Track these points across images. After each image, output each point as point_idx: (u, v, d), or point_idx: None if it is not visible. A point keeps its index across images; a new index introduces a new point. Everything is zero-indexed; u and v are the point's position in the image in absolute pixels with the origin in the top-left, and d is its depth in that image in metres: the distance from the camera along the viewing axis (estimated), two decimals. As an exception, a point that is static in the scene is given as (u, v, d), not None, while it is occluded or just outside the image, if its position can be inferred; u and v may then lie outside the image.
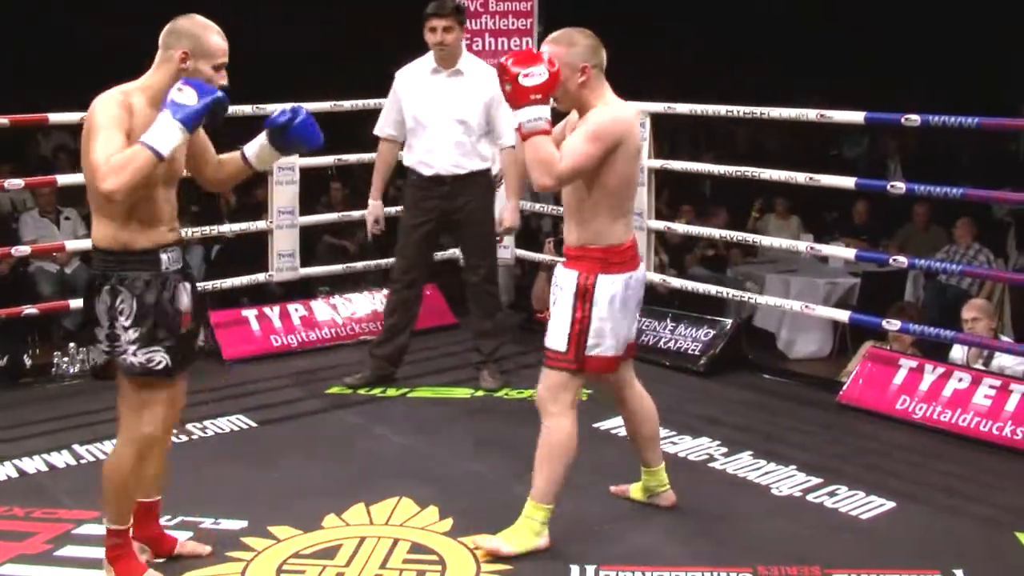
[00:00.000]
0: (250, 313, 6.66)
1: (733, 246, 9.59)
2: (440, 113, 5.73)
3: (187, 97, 3.44)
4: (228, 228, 6.95)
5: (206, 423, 5.45)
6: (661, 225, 6.56)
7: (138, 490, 3.82)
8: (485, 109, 5.75)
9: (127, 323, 3.59)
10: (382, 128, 5.90)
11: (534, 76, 3.74)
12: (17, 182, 6.06)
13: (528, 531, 4.03)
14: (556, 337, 4.01)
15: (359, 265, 7.37)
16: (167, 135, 3.40)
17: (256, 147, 3.84)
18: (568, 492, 4.52)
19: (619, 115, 3.91)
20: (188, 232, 6.95)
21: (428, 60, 5.81)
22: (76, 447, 5.15)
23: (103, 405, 5.64)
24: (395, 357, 5.99)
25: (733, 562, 4.00)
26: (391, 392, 5.87)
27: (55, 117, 5.99)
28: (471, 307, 6.07)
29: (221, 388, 5.96)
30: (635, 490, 4.51)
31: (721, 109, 6.12)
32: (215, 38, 3.62)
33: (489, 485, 4.72)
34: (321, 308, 6.84)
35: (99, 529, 4.21)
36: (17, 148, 11.48)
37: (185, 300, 3.70)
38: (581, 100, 3.93)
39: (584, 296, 3.95)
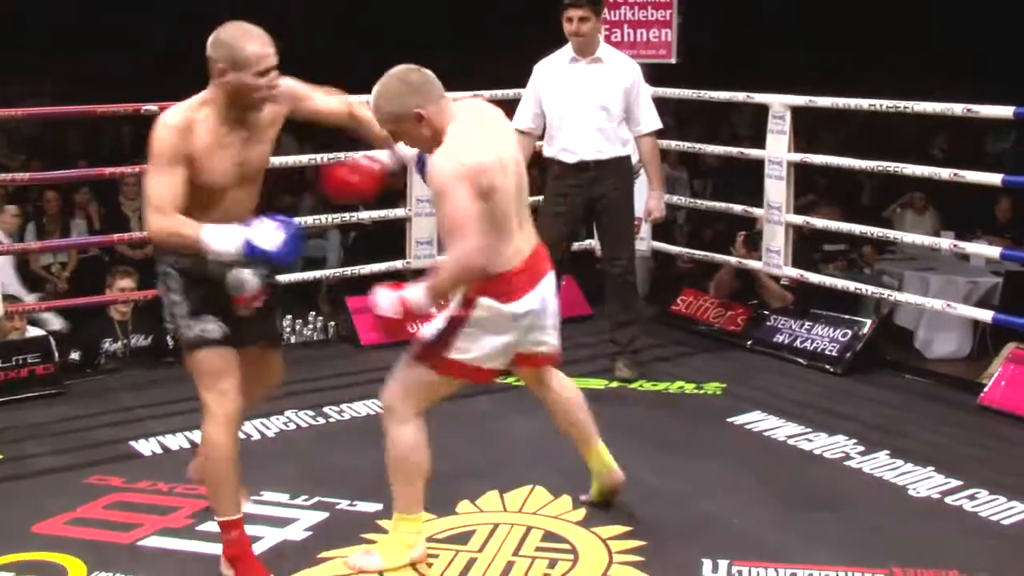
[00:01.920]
0: (388, 299, 6.73)
1: (868, 242, 9.43)
2: (582, 100, 5.77)
3: (265, 239, 3.52)
4: (367, 215, 7.02)
5: (343, 406, 5.55)
6: (800, 219, 6.47)
7: (236, 475, 3.82)
8: (625, 95, 5.80)
9: (177, 298, 3.71)
10: (520, 121, 5.91)
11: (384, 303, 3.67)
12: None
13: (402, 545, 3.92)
14: (430, 330, 3.90)
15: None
16: (225, 247, 3.50)
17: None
18: (700, 486, 4.54)
19: (450, 158, 3.57)
20: (328, 219, 7.10)
21: (566, 51, 5.85)
22: (218, 426, 5.26)
23: (243, 386, 5.80)
24: None
25: (868, 562, 3.95)
26: (511, 380, 5.89)
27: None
28: (609, 297, 6.06)
29: (357, 373, 6.05)
30: (593, 488, 4.36)
31: (864, 103, 6.03)
32: (252, 46, 3.58)
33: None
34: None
35: (240, 505, 4.34)
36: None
37: (245, 284, 3.72)
38: (433, 143, 3.64)
39: (468, 302, 3.81)
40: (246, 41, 3.58)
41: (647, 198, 5.99)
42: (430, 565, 3.91)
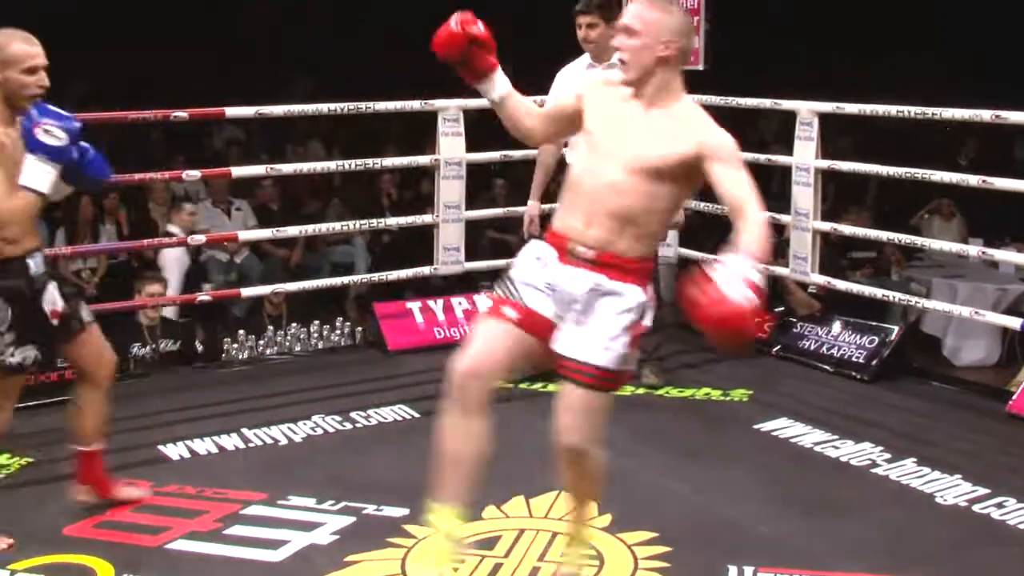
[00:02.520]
0: (414, 305, 6.76)
1: (896, 249, 9.39)
2: None
3: (55, 137, 3.71)
4: (394, 221, 7.04)
5: (370, 411, 5.56)
6: (827, 226, 6.46)
7: None
8: None
9: (2, 328, 3.91)
10: None
11: None
12: (194, 173, 6.28)
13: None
14: (606, 355, 3.46)
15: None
16: (41, 175, 3.73)
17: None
18: (727, 492, 4.54)
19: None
20: (355, 225, 7.13)
21: (585, 57, 5.83)
22: (245, 431, 5.29)
23: (270, 391, 5.87)
24: None
25: (894, 570, 3.93)
26: (552, 387, 5.88)
27: (231, 111, 6.16)
28: None
29: (384, 378, 6.07)
30: None
31: (892, 109, 6.02)
32: (17, 45, 3.82)
33: (648, 481, 4.72)
34: (484, 302, 6.89)
35: (267, 510, 4.38)
36: (191, 141, 11.82)
37: (56, 298, 4.02)
38: (650, 79, 3.37)
39: (644, 311, 3.48)
40: (13, 41, 3.83)
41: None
42: (456, 570, 3.91)
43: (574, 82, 5.78)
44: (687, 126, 3.37)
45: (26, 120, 3.75)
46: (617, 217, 3.36)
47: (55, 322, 4.02)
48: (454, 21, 3.43)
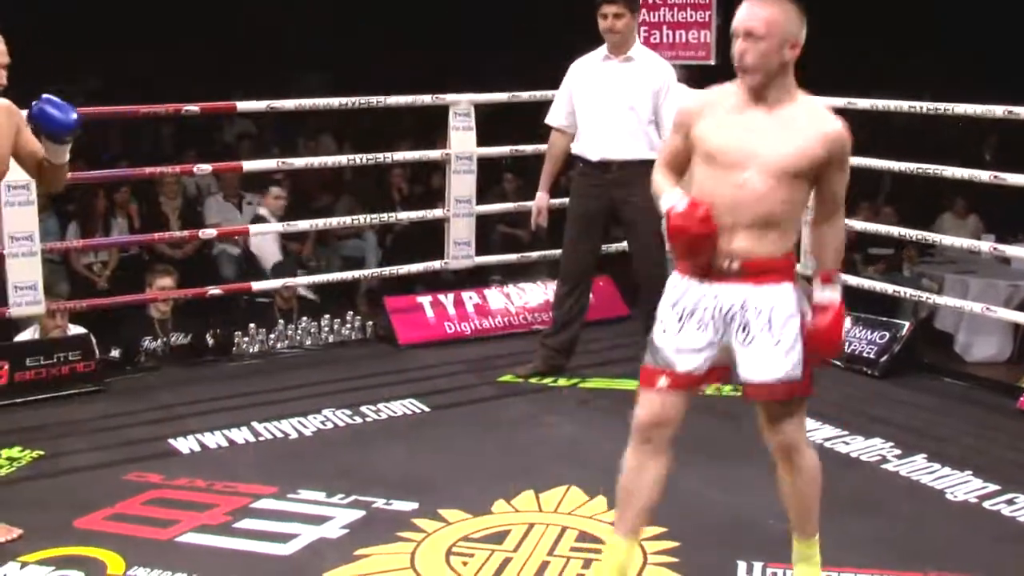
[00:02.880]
0: (424, 300, 6.76)
1: (909, 245, 9.38)
2: (610, 99, 5.72)
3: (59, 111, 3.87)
4: (405, 216, 7.04)
5: (380, 405, 5.56)
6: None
7: None
8: (654, 96, 5.70)
9: None
10: (553, 118, 5.90)
11: None
12: (206, 167, 6.28)
13: (816, 568, 3.71)
14: (787, 366, 3.42)
15: (533, 255, 7.39)
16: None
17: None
18: (737, 488, 4.53)
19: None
20: (366, 219, 7.13)
21: (601, 49, 5.82)
22: (255, 424, 5.30)
23: (281, 385, 5.88)
24: (566, 348, 5.98)
25: (904, 566, 3.93)
26: (562, 382, 5.90)
27: (243, 105, 6.16)
28: (640, 301, 6.06)
29: (395, 372, 6.08)
30: None
31: (904, 104, 6.00)
32: None
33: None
34: (494, 296, 6.91)
35: (276, 504, 4.40)
36: (202, 136, 11.84)
37: None
38: (773, 82, 3.34)
39: (804, 311, 3.45)
40: None
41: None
42: (465, 564, 3.92)
43: (588, 76, 5.80)
44: (814, 125, 3.33)
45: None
46: (759, 223, 3.34)
47: None
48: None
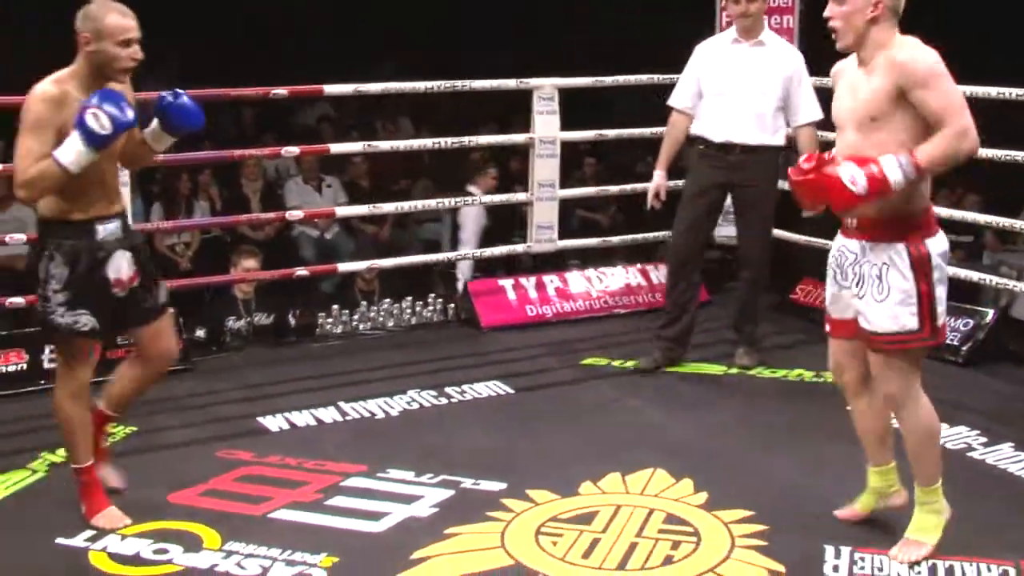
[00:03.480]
0: (507, 283, 6.81)
1: (989, 232, 9.26)
2: (740, 82, 5.71)
3: (96, 123, 3.69)
4: (489, 199, 7.06)
5: (464, 387, 5.61)
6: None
7: (86, 432, 4.11)
8: (785, 82, 5.69)
9: (57, 287, 3.92)
10: (678, 99, 5.84)
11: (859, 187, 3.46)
12: (293, 150, 6.36)
13: (934, 516, 3.90)
14: (902, 317, 3.64)
15: (615, 239, 7.40)
16: (75, 154, 3.71)
17: (150, 128, 4.08)
18: (824, 473, 4.53)
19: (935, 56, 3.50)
20: (451, 202, 7.16)
21: (730, 32, 5.81)
22: (342, 404, 5.37)
23: (365, 365, 5.95)
24: (683, 338, 5.92)
25: (993, 554, 3.92)
26: (637, 363, 5.92)
27: (330, 88, 6.22)
28: (739, 284, 6.07)
29: (479, 354, 6.12)
30: (862, 502, 4.16)
31: (992, 91, 5.92)
32: (113, 17, 3.80)
33: (742, 460, 4.73)
34: (576, 280, 6.93)
35: (366, 482, 4.45)
36: (281, 119, 11.93)
37: (123, 267, 4.00)
38: (865, 41, 3.56)
39: (922, 267, 3.61)
40: (109, 13, 3.81)
41: None
42: (555, 543, 3.96)
43: (717, 58, 5.78)
44: (888, 62, 3.53)
45: (86, 98, 3.75)
46: None
47: (117, 291, 3.99)
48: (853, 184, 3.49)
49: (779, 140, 5.79)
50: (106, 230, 3.96)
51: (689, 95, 5.81)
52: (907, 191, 3.52)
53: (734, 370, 5.87)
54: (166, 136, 4.09)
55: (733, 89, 5.70)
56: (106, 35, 3.79)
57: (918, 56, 3.51)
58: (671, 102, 5.88)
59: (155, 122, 4.06)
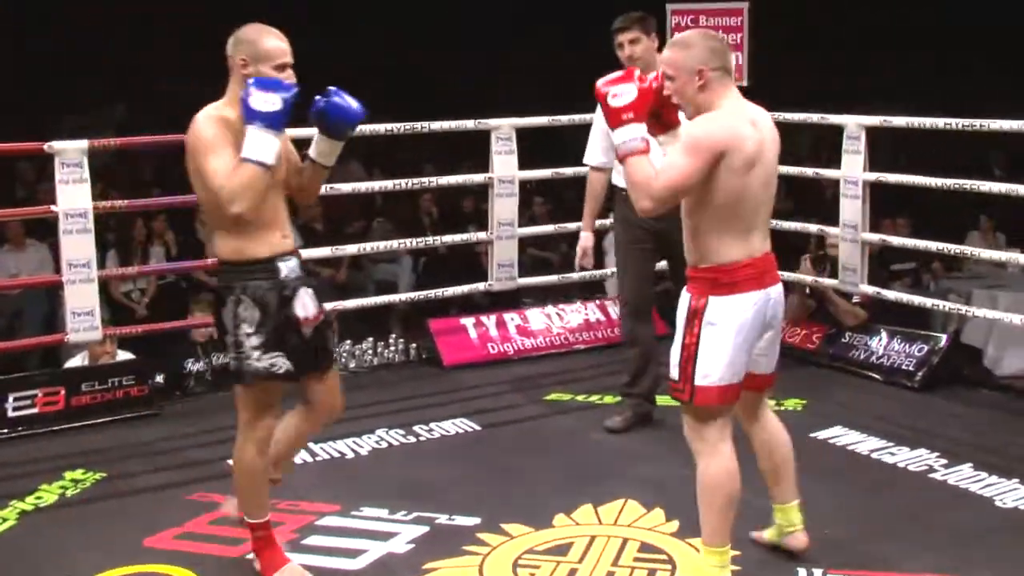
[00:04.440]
0: (468, 321, 6.87)
1: (935, 260, 9.44)
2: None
3: (262, 102, 3.59)
4: (449, 239, 7.11)
5: (432, 425, 5.66)
6: (876, 238, 6.53)
7: (265, 485, 4.00)
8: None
9: (250, 330, 3.76)
10: (591, 157, 5.71)
11: (622, 96, 3.61)
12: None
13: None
14: (672, 365, 3.77)
15: (574, 276, 7.44)
16: (263, 144, 3.59)
17: (313, 144, 4.00)
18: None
19: (720, 123, 3.61)
20: (401, 244, 7.21)
21: None
22: (311, 444, 5.35)
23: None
24: (651, 392, 5.68)
25: (959, 572, 4.00)
26: (608, 399, 5.98)
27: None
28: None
29: (443, 393, 6.17)
30: (769, 532, 4.19)
31: (939, 122, 6.08)
32: (271, 40, 3.77)
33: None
34: (536, 317, 7.01)
35: (341, 521, 4.49)
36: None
37: (309, 305, 3.86)
38: (700, 107, 3.66)
39: (693, 320, 3.70)
40: (266, 36, 3.78)
41: None
42: (532, 575, 4.01)
43: None
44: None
45: (243, 92, 3.64)
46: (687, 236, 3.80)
47: (306, 330, 3.85)
48: (643, 81, 3.68)
49: None
50: (288, 267, 3.83)
51: (600, 150, 5.64)
52: (705, 248, 3.70)
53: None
54: (332, 143, 3.98)
55: None
56: (264, 58, 3.73)
57: (688, 130, 3.68)
58: (585, 160, 5.76)
59: (315, 135, 3.98)
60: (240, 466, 3.95)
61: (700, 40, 3.71)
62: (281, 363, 3.80)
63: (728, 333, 3.66)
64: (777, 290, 3.78)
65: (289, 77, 3.75)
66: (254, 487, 3.95)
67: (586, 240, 5.80)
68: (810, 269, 6.99)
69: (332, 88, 3.92)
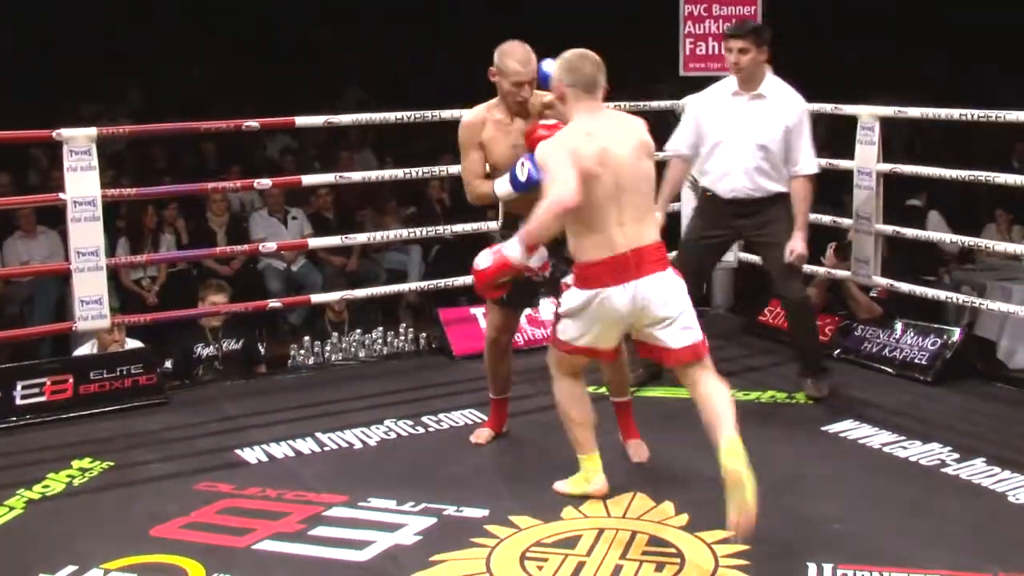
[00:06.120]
0: (477, 311, 6.82)
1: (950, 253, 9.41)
2: (739, 136, 5.67)
3: (523, 176, 4.59)
4: (459, 228, 7.05)
5: (440, 416, 5.63)
6: (890, 229, 6.48)
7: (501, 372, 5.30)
8: (785, 134, 5.62)
9: None
10: (677, 144, 5.88)
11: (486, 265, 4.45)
12: (265, 182, 6.35)
13: (580, 479, 4.60)
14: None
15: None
16: (505, 193, 4.75)
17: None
18: (803, 493, 4.58)
19: (556, 139, 4.26)
20: (421, 232, 7.19)
21: (731, 82, 5.75)
22: (319, 435, 5.38)
23: (340, 396, 5.97)
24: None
25: (972, 567, 3.97)
26: (603, 391, 5.94)
27: (301, 120, 6.23)
28: (790, 323, 6.01)
29: (453, 383, 6.14)
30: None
31: (955, 113, 6.04)
32: (510, 62, 4.70)
33: (720, 481, 4.75)
34: (546, 307, 6.94)
35: (349, 512, 4.47)
36: (244, 151, 11.93)
37: (534, 260, 4.63)
38: (566, 119, 4.36)
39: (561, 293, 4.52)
40: (508, 57, 4.72)
41: (792, 239, 5.60)
42: (540, 568, 3.98)
43: (718, 110, 5.77)
44: None
45: (526, 155, 4.60)
46: None
47: (532, 277, 4.84)
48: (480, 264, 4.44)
49: (788, 186, 5.74)
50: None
51: (688, 143, 5.82)
52: (573, 248, 4.28)
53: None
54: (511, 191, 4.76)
55: (734, 144, 5.68)
56: (503, 74, 4.72)
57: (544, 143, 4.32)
58: (669, 146, 5.88)
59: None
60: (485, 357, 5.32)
61: (565, 58, 4.34)
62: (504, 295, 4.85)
63: (571, 311, 4.35)
64: (647, 281, 4.23)
65: (523, 92, 4.71)
66: (489, 371, 5.31)
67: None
68: (832, 257, 6.95)
69: (527, 156, 4.63)
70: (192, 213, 9.77)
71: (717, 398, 4.25)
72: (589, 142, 4.17)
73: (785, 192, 5.71)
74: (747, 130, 5.66)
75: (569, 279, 4.43)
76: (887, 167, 6.30)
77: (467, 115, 4.89)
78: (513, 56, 4.69)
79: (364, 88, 13.93)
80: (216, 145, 11.80)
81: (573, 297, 4.32)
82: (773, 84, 5.72)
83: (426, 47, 14.32)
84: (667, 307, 4.26)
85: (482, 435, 5.29)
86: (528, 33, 4.83)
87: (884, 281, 6.46)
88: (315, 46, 14.76)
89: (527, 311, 6.78)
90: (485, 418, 5.55)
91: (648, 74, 9.94)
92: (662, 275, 4.27)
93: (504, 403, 5.34)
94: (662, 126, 5.84)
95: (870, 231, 6.33)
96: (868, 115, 6.32)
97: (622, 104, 6.37)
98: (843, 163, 6.60)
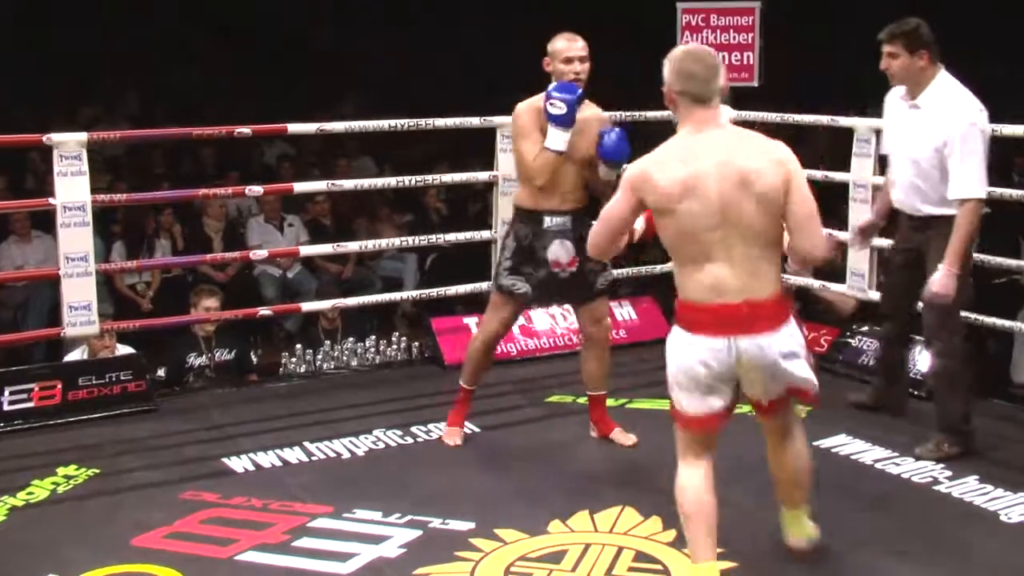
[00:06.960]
0: (471, 321, 6.78)
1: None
2: (899, 147, 5.27)
3: (557, 108, 4.80)
4: (453, 237, 7.03)
5: (430, 426, 5.58)
6: (886, 243, 6.41)
7: (479, 367, 5.33)
8: (936, 151, 5.01)
9: (507, 256, 5.11)
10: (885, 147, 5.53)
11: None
12: (257, 189, 6.33)
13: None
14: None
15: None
16: (557, 139, 4.86)
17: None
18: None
19: (640, 163, 3.67)
20: (414, 240, 7.15)
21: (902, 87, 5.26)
22: (307, 444, 5.34)
23: (330, 405, 5.92)
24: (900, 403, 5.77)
25: (966, 586, 3.95)
26: (610, 403, 5.88)
27: (293, 128, 6.20)
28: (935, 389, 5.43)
29: (443, 393, 6.10)
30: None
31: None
32: (559, 42, 4.96)
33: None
34: (540, 318, 6.93)
35: (333, 523, 4.43)
36: (242, 157, 11.90)
37: (559, 253, 5.04)
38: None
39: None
40: (558, 39, 4.97)
41: (937, 273, 4.96)
42: (524, 583, 3.96)
43: (893, 114, 5.37)
44: None
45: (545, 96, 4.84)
46: None
47: (557, 271, 5.06)
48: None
49: (953, 209, 5.01)
50: (552, 221, 5.04)
51: (883, 145, 5.57)
52: (677, 280, 3.74)
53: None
54: (607, 168, 4.92)
55: (898, 156, 5.30)
56: (554, 57, 4.96)
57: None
58: (883, 150, 5.61)
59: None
60: (471, 346, 5.34)
61: (672, 60, 3.71)
62: (520, 286, 5.08)
63: (678, 367, 3.72)
64: (755, 340, 3.62)
65: (576, 68, 4.91)
66: (472, 361, 5.31)
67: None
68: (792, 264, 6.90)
69: (607, 128, 4.92)
70: (188, 219, 9.73)
71: (793, 457, 4.08)
72: (675, 168, 3.59)
73: (947, 216, 5.05)
74: (905, 141, 5.20)
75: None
76: (882, 179, 6.24)
77: (528, 101, 5.03)
78: (560, 37, 4.96)
79: (363, 90, 13.88)
80: (215, 150, 11.76)
81: (673, 344, 3.75)
82: (937, 94, 5.06)
83: (426, 48, 14.27)
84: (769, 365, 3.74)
85: (455, 435, 5.38)
86: (526, 41, 4.83)
87: (878, 296, 6.40)
88: (315, 46, 14.74)
89: (520, 320, 6.77)
90: (477, 429, 5.52)
91: (645, 84, 9.90)
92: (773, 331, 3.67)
93: (471, 395, 5.41)
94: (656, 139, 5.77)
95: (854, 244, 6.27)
96: (865, 127, 6.28)
97: (621, 114, 6.35)
98: (839, 175, 6.55)
